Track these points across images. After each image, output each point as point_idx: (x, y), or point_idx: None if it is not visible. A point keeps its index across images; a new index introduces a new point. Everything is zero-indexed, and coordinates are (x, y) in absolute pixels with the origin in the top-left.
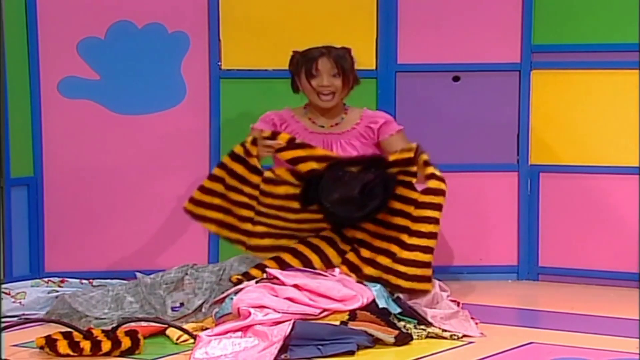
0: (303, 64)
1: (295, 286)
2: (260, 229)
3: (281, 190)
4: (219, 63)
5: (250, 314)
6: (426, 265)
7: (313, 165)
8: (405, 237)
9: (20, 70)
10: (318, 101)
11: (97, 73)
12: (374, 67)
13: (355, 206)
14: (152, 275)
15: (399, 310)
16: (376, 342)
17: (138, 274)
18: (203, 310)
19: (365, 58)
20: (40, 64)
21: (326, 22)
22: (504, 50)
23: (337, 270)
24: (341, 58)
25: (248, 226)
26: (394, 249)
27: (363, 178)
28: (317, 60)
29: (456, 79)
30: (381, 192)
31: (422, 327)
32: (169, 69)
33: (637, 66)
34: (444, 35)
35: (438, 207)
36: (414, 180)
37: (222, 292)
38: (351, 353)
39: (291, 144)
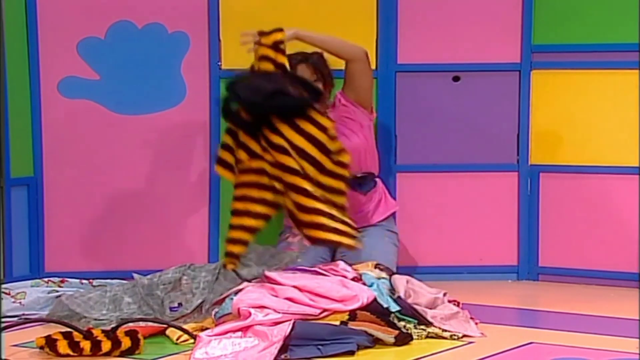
0: None
1: (295, 287)
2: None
3: None
4: (219, 63)
5: (250, 314)
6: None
7: (270, 67)
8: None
9: (20, 70)
10: None
11: (97, 73)
12: (374, 67)
13: (261, 95)
14: (149, 276)
15: (398, 308)
16: (376, 342)
17: (135, 275)
18: (202, 310)
19: None
20: (40, 64)
21: (326, 22)
22: (504, 50)
23: (340, 263)
24: (318, 64)
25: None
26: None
27: (286, 87)
28: (297, 67)
29: (456, 79)
30: (291, 103)
31: (422, 327)
32: (169, 69)
33: (636, 66)
34: (444, 35)
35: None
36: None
37: (220, 294)
38: (351, 353)
39: (275, 46)
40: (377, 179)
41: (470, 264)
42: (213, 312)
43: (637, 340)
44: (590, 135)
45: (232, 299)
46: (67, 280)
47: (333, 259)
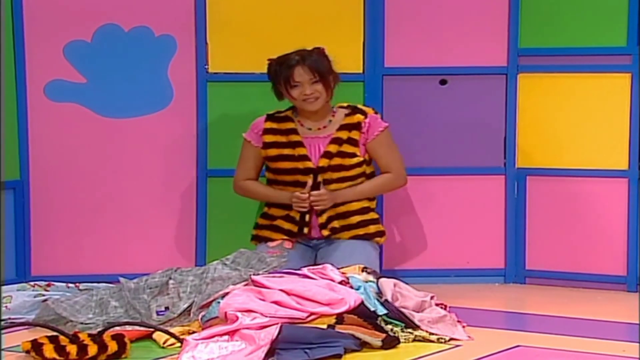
0: (281, 73)
1: (282, 291)
2: None
3: None
4: (206, 66)
5: (237, 318)
6: None
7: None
8: None
9: (6, 73)
10: (304, 106)
11: (83, 76)
12: (361, 71)
13: None
14: (135, 280)
15: (385, 311)
16: (363, 345)
17: (121, 279)
18: (190, 314)
19: (352, 61)
20: (27, 67)
21: (313, 25)
22: (490, 53)
23: (328, 267)
24: (317, 62)
25: None
26: None
27: None
28: (294, 70)
29: (443, 82)
30: None
31: (409, 330)
32: (156, 72)
33: (623, 69)
34: (431, 38)
35: None
36: None
37: (208, 295)
38: (338, 356)
39: None
40: None
41: (458, 267)
42: (200, 316)
43: (623, 343)
44: (577, 138)
45: (219, 302)
46: (53, 284)
47: (315, 262)
